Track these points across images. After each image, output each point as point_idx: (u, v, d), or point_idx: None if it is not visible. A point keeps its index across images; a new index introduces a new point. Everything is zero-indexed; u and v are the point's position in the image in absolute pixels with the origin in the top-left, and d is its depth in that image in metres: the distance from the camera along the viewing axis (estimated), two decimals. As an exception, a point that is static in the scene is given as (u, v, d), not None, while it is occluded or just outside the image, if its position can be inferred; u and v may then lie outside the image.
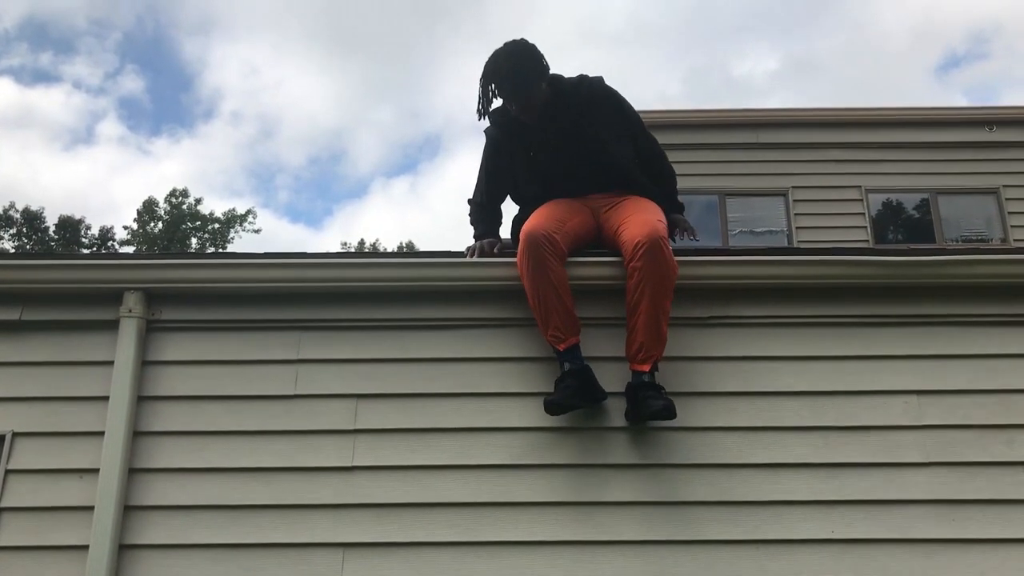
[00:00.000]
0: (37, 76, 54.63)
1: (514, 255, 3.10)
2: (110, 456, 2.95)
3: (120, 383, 3.04)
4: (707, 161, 8.79)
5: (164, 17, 56.94)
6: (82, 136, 54.60)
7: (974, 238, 8.69)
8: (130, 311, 3.13)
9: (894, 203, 9.05)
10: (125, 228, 34.54)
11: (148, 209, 35.00)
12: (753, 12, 68.93)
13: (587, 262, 3.17)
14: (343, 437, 3.03)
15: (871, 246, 8.30)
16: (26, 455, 3.03)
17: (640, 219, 3.07)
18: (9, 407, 3.09)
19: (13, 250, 29.35)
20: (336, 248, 37.36)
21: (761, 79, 61.07)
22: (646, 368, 2.94)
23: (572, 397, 2.92)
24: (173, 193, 35.42)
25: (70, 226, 33.07)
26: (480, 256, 3.29)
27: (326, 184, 66.39)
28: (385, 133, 68.34)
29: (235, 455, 3.02)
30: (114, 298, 3.16)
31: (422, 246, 42.03)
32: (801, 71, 62.76)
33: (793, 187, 8.74)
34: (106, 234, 33.66)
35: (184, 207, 35.28)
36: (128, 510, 2.94)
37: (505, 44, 3.23)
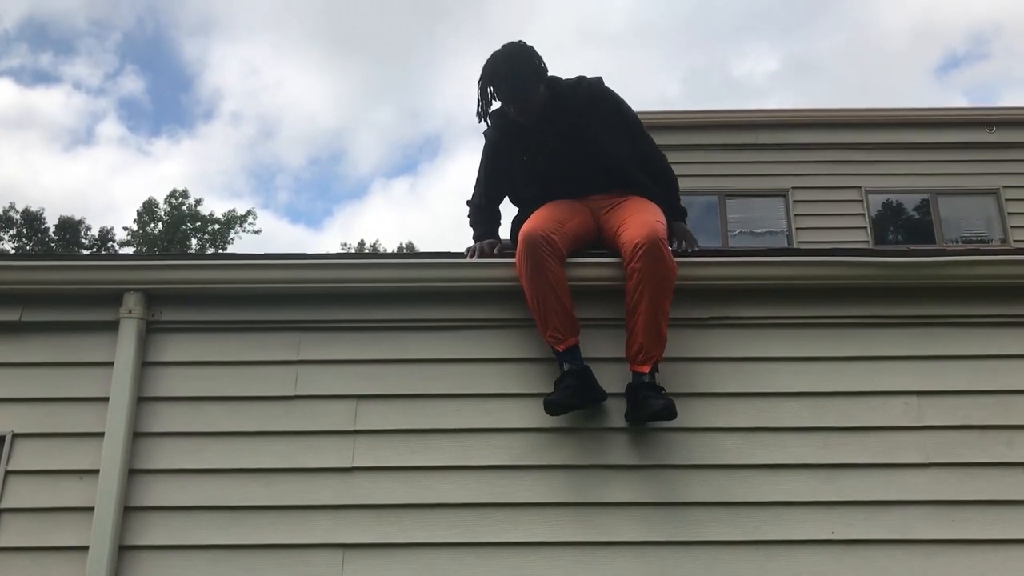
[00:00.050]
0: (37, 77, 54.74)
1: (514, 256, 3.10)
2: (110, 457, 2.95)
3: (120, 384, 3.04)
4: (707, 162, 8.80)
5: (164, 17, 57.05)
6: (82, 137, 54.71)
7: (974, 239, 8.70)
8: (130, 312, 3.13)
9: (894, 204, 9.06)
10: (125, 229, 34.63)
11: (148, 210, 35.03)
12: (753, 12, 69.02)
13: (586, 263, 3.17)
14: (343, 438, 3.03)
15: (871, 247, 8.31)
16: (26, 456, 3.04)
17: (639, 220, 3.07)
18: (9, 408, 3.09)
19: (13, 251, 29.36)
20: (336, 249, 37.34)
21: (761, 79, 61.15)
22: (646, 369, 2.94)
23: (572, 397, 2.93)
24: (173, 194, 35.49)
25: (70, 227, 33.09)
26: (480, 257, 3.29)
27: (326, 185, 66.51)
28: (385, 133, 68.43)
29: (235, 456, 3.02)
30: (114, 299, 3.16)
31: (422, 247, 42.02)
32: (801, 71, 62.84)
33: (793, 188, 8.75)
34: (106, 235, 33.69)
35: (184, 208, 35.31)
36: (128, 511, 2.94)
37: (503, 46, 3.23)
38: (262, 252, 3.62)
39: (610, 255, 3.18)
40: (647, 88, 64.04)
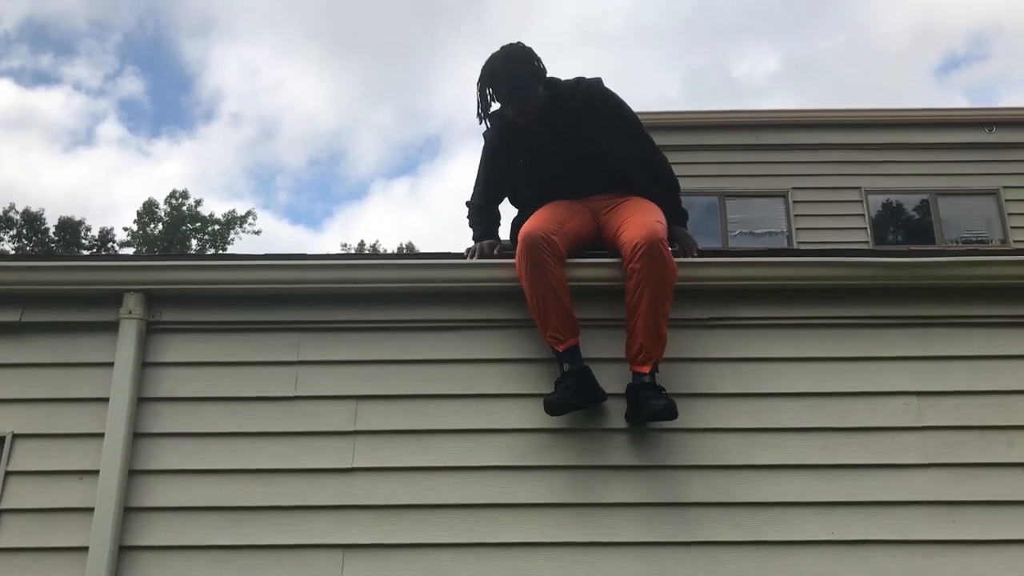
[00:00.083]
0: (37, 78, 54.72)
1: (513, 256, 3.11)
2: (110, 457, 2.95)
3: (120, 384, 3.04)
4: (707, 162, 8.80)
5: (164, 18, 57.05)
6: (82, 138, 54.71)
7: (974, 239, 8.71)
8: (130, 312, 3.13)
9: (894, 204, 9.06)
10: (125, 229, 34.62)
11: (148, 211, 35.03)
12: (753, 12, 68.98)
13: (586, 263, 3.17)
14: (343, 438, 3.03)
15: (871, 247, 8.32)
16: (26, 456, 3.04)
17: (639, 220, 3.07)
18: (9, 408, 3.10)
19: (13, 251, 29.38)
20: (336, 249, 37.26)
21: (761, 80, 61.12)
22: (646, 369, 2.94)
23: (572, 397, 2.93)
24: (173, 195, 35.49)
25: (70, 227, 33.10)
26: (480, 257, 3.29)
27: (326, 185, 66.49)
28: (385, 134, 68.42)
29: (235, 456, 3.02)
30: (114, 299, 3.16)
31: (422, 247, 41.98)
32: (801, 71, 62.82)
33: (793, 188, 8.76)
34: (106, 235, 33.70)
35: (184, 208, 35.31)
36: (128, 511, 2.94)
37: (502, 48, 3.23)
38: (262, 253, 3.62)
39: (610, 255, 3.18)
40: (647, 88, 64.12)
